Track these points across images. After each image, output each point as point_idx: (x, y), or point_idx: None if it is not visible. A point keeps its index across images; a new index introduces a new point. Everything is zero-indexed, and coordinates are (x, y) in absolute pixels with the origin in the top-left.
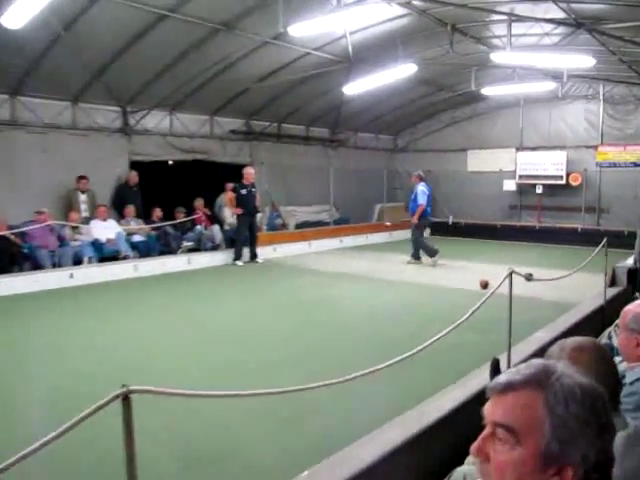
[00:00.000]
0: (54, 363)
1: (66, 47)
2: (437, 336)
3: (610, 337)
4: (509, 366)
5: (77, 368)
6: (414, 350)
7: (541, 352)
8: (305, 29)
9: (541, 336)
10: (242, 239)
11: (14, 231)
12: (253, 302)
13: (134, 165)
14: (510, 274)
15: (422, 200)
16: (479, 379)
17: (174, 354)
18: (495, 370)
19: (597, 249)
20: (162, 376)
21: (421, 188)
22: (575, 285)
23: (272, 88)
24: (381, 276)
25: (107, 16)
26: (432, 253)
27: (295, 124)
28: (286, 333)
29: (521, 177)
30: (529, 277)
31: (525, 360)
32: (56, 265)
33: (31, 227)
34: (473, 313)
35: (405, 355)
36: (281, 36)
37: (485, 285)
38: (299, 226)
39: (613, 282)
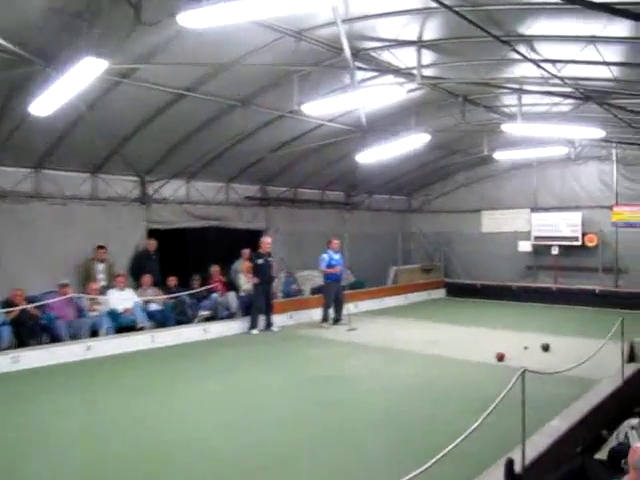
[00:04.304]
0: (91, 445)
1: (88, 124)
2: (466, 433)
3: (627, 437)
4: (524, 464)
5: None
6: (436, 457)
7: (557, 444)
8: (319, 108)
9: (556, 426)
10: (258, 308)
11: (34, 305)
12: (264, 378)
13: (152, 233)
14: (522, 374)
15: (321, 266)
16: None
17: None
18: (509, 472)
19: (614, 328)
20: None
21: (324, 255)
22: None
23: (287, 157)
24: (394, 346)
25: (128, 96)
26: (324, 318)
27: (310, 188)
28: (296, 414)
29: (536, 238)
30: (546, 348)
31: (540, 457)
32: (74, 337)
33: (52, 300)
34: (494, 407)
35: (425, 466)
36: (295, 110)
37: (501, 358)
38: (315, 291)
39: (632, 357)
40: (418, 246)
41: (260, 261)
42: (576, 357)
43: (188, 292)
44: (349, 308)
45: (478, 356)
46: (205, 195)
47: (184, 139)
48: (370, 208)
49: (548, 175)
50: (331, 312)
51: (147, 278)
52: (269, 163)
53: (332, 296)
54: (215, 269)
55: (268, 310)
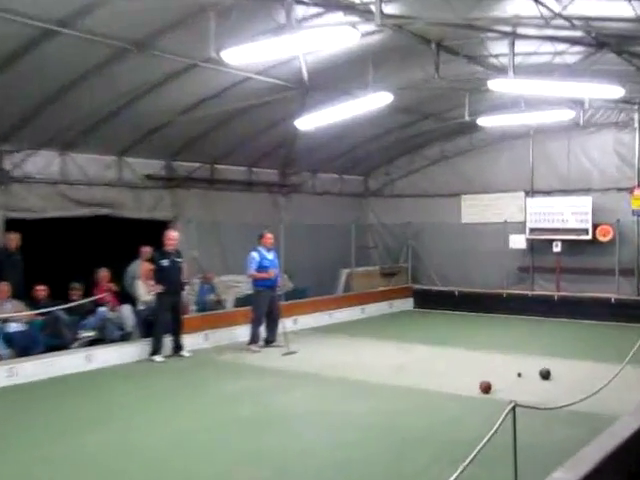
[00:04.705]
0: None
1: None
2: None
3: None
4: None
5: None
6: None
7: None
8: (244, 55)
9: (559, 478)
10: (162, 326)
11: None
12: (170, 426)
13: (12, 225)
14: (513, 409)
15: (250, 269)
16: None
17: None
18: None
19: (634, 349)
20: None
21: (253, 254)
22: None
23: (202, 121)
24: (348, 375)
25: None
26: (253, 338)
27: (233, 165)
28: (212, 476)
29: (533, 231)
30: (545, 375)
31: None
32: None
33: None
34: (477, 454)
35: None
36: (213, 59)
37: (486, 389)
38: (241, 302)
39: None
40: (378, 242)
41: (165, 263)
42: (585, 387)
43: (64, 306)
44: (286, 325)
45: (457, 387)
46: (88, 173)
47: (56, 94)
48: (314, 191)
49: (549, 148)
50: (262, 330)
51: (4, 287)
52: (177, 130)
53: (264, 309)
54: (103, 274)
55: (176, 329)
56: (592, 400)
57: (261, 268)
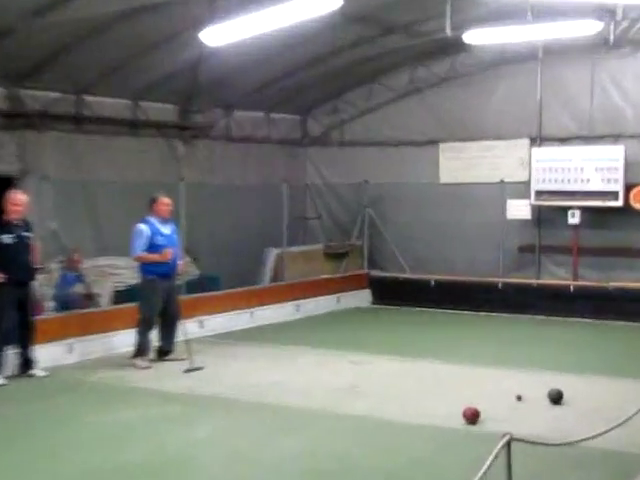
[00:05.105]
0: None
1: None
2: None
3: None
4: None
5: None
6: None
7: None
8: None
9: None
10: (4, 332)
11: None
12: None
13: None
14: (508, 444)
15: (136, 248)
16: None
17: None
18: None
19: None
20: None
21: (141, 227)
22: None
23: (63, 28)
24: (278, 399)
25: None
26: (141, 348)
27: (111, 97)
28: None
29: (540, 195)
30: (556, 398)
31: None
32: None
33: None
34: None
35: None
36: None
37: (473, 417)
38: (122, 296)
39: None
40: (321, 210)
41: (7, 239)
42: (610, 414)
43: None
44: (189, 329)
45: (431, 415)
46: None
47: None
48: (229, 137)
49: (564, 76)
50: (154, 338)
51: None
52: (26, 41)
53: (156, 307)
54: None
55: (25, 336)
56: (619, 433)
57: (153, 247)
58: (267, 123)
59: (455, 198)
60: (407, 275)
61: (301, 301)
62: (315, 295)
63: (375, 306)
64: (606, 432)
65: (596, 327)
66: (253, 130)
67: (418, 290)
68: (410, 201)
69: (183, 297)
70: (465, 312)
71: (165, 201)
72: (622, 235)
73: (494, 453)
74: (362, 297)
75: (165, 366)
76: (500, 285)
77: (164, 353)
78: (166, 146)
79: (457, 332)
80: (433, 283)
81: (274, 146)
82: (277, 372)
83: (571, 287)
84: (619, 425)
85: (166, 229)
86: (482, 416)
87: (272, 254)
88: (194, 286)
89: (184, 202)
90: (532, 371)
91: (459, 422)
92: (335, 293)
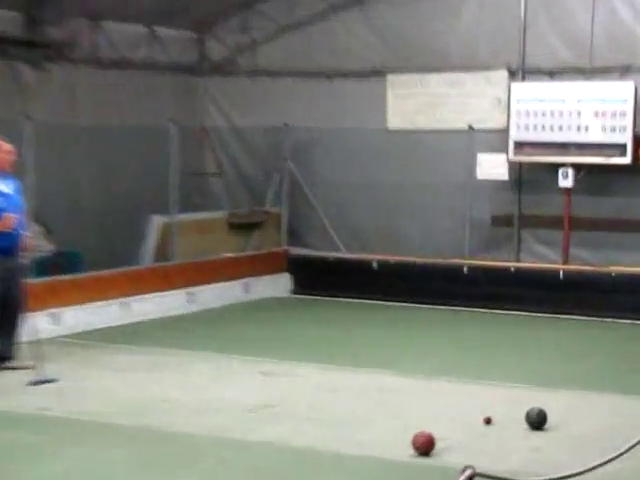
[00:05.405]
0: None
1: None
2: None
3: None
4: None
5: None
6: None
7: None
8: None
9: None
10: None
11: None
12: None
13: None
14: None
15: None
16: None
17: None
18: None
19: None
20: None
21: None
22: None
23: None
24: (161, 424)
25: None
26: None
27: None
28: None
29: (522, 147)
30: (536, 421)
31: None
32: None
33: None
34: None
35: None
36: None
37: (425, 446)
38: None
39: None
40: (225, 164)
41: None
42: (605, 442)
43: None
44: (38, 326)
45: (370, 443)
46: None
47: None
48: (96, 59)
49: None
50: None
51: None
52: None
53: None
54: None
55: None
56: (618, 466)
57: None
58: (150, 41)
59: (407, 150)
60: (341, 254)
61: (196, 288)
62: (215, 280)
63: (297, 296)
64: (601, 465)
65: (592, 326)
66: (131, 51)
67: (356, 275)
68: (346, 154)
69: (30, 282)
70: (419, 305)
71: (4, 148)
72: (629, 203)
73: None
74: (279, 284)
75: (4, 377)
76: (466, 269)
77: (2, 359)
78: (6, 70)
79: (407, 332)
80: (376, 266)
81: (160, 74)
82: (161, 386)
83: (561, 273)
84: (619, 456)
85: (6, 187)
86: (438, 445)
87: (156, 224)
88: (46, 266)
89: (32, 150)
90: (506, 386)
91: (408, 453)
92: (242, 278)
